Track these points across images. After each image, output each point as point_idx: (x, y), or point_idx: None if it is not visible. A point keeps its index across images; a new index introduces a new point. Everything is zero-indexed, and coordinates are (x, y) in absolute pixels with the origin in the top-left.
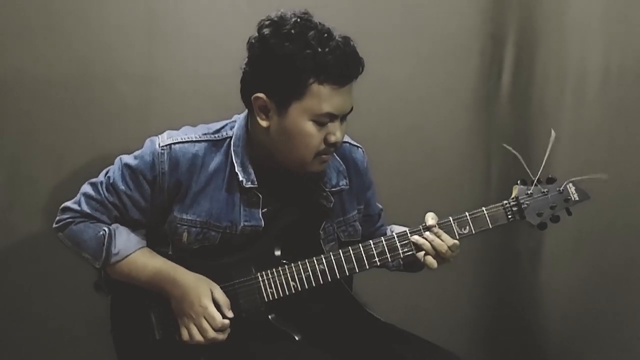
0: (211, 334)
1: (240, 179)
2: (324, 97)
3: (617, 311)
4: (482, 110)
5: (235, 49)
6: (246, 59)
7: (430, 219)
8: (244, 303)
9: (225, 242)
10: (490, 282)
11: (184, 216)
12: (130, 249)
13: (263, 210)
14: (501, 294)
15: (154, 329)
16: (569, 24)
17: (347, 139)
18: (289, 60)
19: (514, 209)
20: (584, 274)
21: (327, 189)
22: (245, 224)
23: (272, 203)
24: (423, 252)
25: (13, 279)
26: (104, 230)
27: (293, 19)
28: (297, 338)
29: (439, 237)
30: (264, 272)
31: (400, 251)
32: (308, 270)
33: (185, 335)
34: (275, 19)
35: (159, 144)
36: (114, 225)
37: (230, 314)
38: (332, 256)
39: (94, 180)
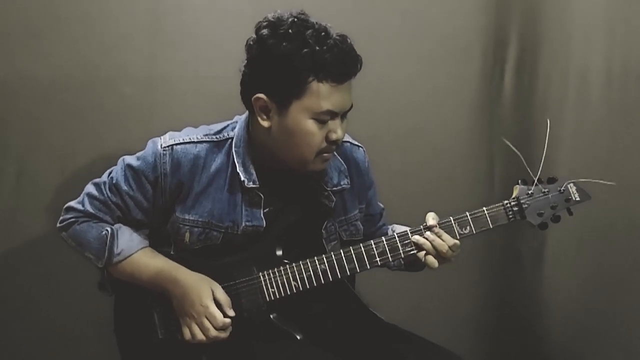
0: (213, 332)
1: (242, 179)
2: (323, 95)
3: (618, 311)
4: (484, 111)
5: (237, 51)
6: (245, 61)
7: (431, 219)
8: (246, 303)
9: (227, 242)
10: (493, 282)
11: (186, 216)
12: (133, 249)
13: (265, 210)
14: (503, 294)
15: (156, 329)
16: (571, 25)
17: (348, 138)
18: (288, 59)
19: (515, 209)
20: (586, 274)
21: (328, 189)
22: (247, 224)
23: (273, 203)
24: (424, 252)
25: (18, 278)
26: (107, 230)
27: (290, 19)
28: (298, 337)
29: (439, 237)
30: (265, 272)
31: (401, 251)
32: (309, 270)
33: (187, 334)
34: (273, 19)
35: (161, 145)
36: (116, 225)
37: (231, 313)
38: (333, 256)
39: (97, 180)
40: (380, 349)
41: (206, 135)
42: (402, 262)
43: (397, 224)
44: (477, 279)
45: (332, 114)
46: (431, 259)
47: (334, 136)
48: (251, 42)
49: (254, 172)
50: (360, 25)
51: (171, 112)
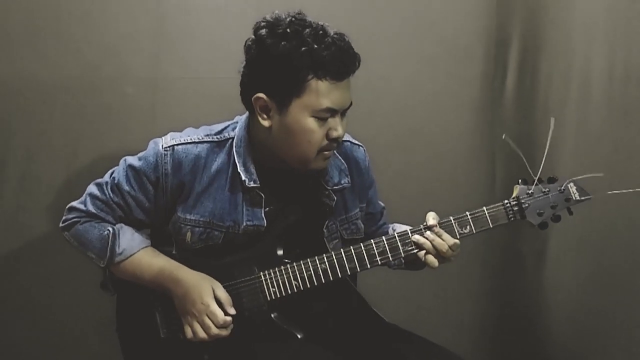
0: (214, 331)
1: (243, 178)
2: (322, 92)
3: (619, 312)
4: (486, 111)
5: (239, 52)
6: (244, 62)
7: (432, 218)
8: (247, 302)
9: (228, 242)
10: (493, 282)
11: (188, 216)
12: (134, 249)
13: (265, 210)
14: (505, 295)
15: (158, 328)
16: (573, 25)
17: (348, 137)
18: (287, 58)
19: (515, 208)
20: (587, 274)
21: (329, 188)
22: (248, 223)
23: (274, 202)
24: (424, 251)
25: (21, 277)
26: (109, 230)
27: (288, 19)
28: (299, 336)
29: (439, 236)
30: (266, 272)
31: (402, 250)
32: (310, 270)
33: (188, 333)
34: (271, 20)
35: (162, 146)
36: (118, 225)
37: (232, 311)
38: (333, 255)
39: (99, 180)
40: (380, 348)
41: (207, 135)
42: (403, 261)
43: (398, 223)
44: (478, 279)
45: (332, 112)
46: (431, 259)
47: (334, 134)
48: (250, 43)
49: (254, 172)
50: (362, 26)
51: (173, 113)
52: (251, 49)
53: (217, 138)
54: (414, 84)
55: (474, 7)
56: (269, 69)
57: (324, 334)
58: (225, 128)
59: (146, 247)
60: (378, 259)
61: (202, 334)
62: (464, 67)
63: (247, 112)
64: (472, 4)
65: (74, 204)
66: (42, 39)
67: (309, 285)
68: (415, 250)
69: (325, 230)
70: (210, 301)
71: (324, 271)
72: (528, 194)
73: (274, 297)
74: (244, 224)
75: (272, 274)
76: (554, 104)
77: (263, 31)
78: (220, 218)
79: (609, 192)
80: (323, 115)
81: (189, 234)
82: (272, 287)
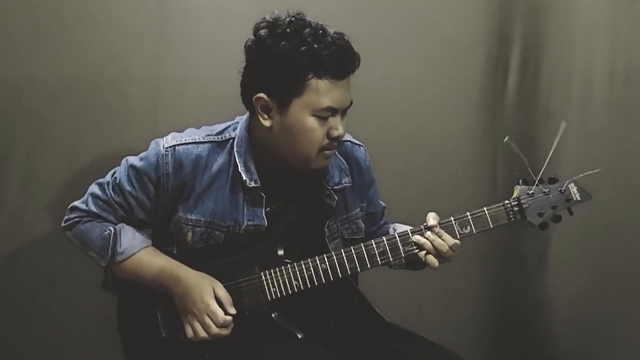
0: (214, 330)
1: (244, 178)
2: (322, 91)
3: (621, 312)
4: (487, 111)
5: (241, 53)
6: (244, 63)
7: (432, 218)
8: (248, 302)
9: (229, 242)
10: (495, 283)
11: (189, 216)
12: (136, 248)
13: (266, 210)
14: (506, 295)
15: (159, 327)
16: (575, 25)
17: (348, 137)
18: (287, 58)
19: (515, 209)
20: (589, 275)
21: (330, 187)
22: (249, 223)
23: (275, 202)
24: (424, 252)
25: (23, 276)
26: (110, 229)
27: (287, 19)
28: (300, 336)
29: (440, 236)
30: (267, 271)
31: (402, 250)
32: (310, 270)
33: (189, 332)
34: (270, 20)
35: (163, 146)
36: (119, 225)
37: (232, 311)
38: (334, 255)
39: (101, 180)
40: (381, 348)
41: (208, 135)
42: (403, 261)
43: (399, 223)
44: (479, 279)
45: (333, 111)
46: (431, 259)
47: (335, 133)
48: (250, 43)
49: (255, 172)
50: (363, 26)
51: (175, 113)
52: (251, 49)
53: (218, 138)
54: (415, 84)
55: (475, 7)
56: (270, 69)
57: (324, 333)
58: (226, 128)
59: (147, 246)
60: (378, 259)
61: (202, 333)
62: (466, 67)
63: (248, 113)
64: (474, 4)
65: (76, 203)
66: (44, 40)
67: (309, 285)
68: (416, 251)
69: (326, 230)
70: (211, 300)
71: (325, 271)
72: (529, 194)
73: (274, 297)
74: (245, 223)
75: (272, 273)
76: (555, 104)
77: (263, 31)
78: (221, 218)
79: (576, 177)
80: (323, 115)
81: (190, 234)
82: (272, 286)
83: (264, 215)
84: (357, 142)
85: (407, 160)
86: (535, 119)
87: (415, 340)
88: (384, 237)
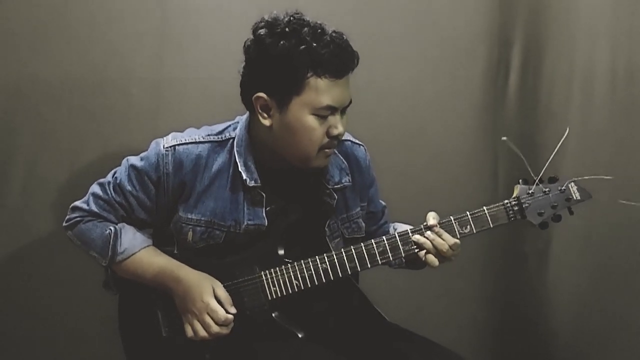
0: (215, 329)
1: (244, 177)
2: (322, 90)
3: (623, 312)
4: (489, 112)
5: (243, 53)
6: (243, 63)
7: (432, 218)
8: (248, 301)
9: (230, 241)
10: (496, 282)
11: (189, 216)
12: (136, 248)
13: (266, 209)
14: (507, 295)
15: (160, 327)
16: (576, 25)
17: (348, 137)
18: (286, 57)
19: (515, 208)
20: (590, 275)
21: (330, 187)
22: (249, 222)
23: (275, 201)
24: (424, 251)
25: (25, 276)
26: (111, 229)
27: (286, 19)
28: (300, 336)
29: (440, 236)
30: (267, 271)
31: (402, 250)
32: (311, 269)
33: (189, 331)
34: (269, 20)
35: (164, 146)
36: (120, 225)
37: (233, 310)
38: (334, 255)
39: (102, 180)
40: (382, 348)
41: (208, 135)
42: (403, 261)
43: (400, 222)
44: (481, 279)
45: (332, 109)
46: (431, 258)
47: (335, 131)
48: (249, 43)
49: (255, 171)
50: (364, 27)
51: (177, 114)
52: (250, 49)
53: (218, 138)
54: (416, 84)
55: (476, 8)
56: (269, 68)
57: (325, 333)
58: (226, 128)
59: (147, 246)
60: (378, 258)
61: (202, 332)
62: (467, 68)
63: (248, 112)
64: (474, 4)
65: (77, 203)
66: (47, 40)
67: (309, 285)
68: (416, 250)
69: (327, 229)
70: (210, 299)
71: (325, 271)
72: (528, 193)
73: (274, 297)
74: (245, 223)
75: (273, 273)
76: (556, 104)
77: (262, 31)
78: (222, 217)
79: (622, 201)
80: (323, 113)
81: (190, 234)
82: (273, 286)
83: (264, 214)
84: (357, 141)
85: (408, 160)
86: (536, 119)
87: (416, 340)
88: (384, 237)
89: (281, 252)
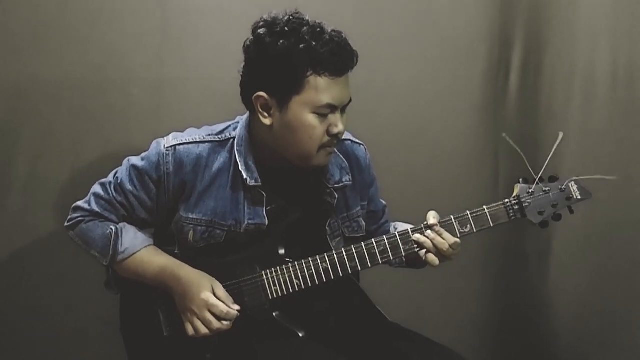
0: (215, 324)
1: (245, 177)
2: (322, 88)
3: (624, 312)
4: (489, 111)
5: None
6: (243, 62)
7: (432, 217)
8: (249, 301)
9: (230, 241)
10: (497, 282)
11: (190, 215)
12: (137, 247)
13: (267, 209)
14: (507, 294)
15: (161, 326)
16: (577, 25)
17: (348, 136)
18: (286, 56)
19: (516, 207)
20: (592, 275)
21: (330, 186)
22: (250, 222)
23: (276, 201)
24: (425, 250)
25: (27, 276)
26: (112, 228)
27: (285, 18)
28: (301, 335)
29: (440, 235)
30: (268, 271)
31: (402, 249)
32: (311, 269)
33: (190, 330)
34: (269, 19)
35: (164, 145)
36: (121, 224)
37: (235, 307)
38: (334, 254)
39: (103, 180)
40: (382, 347)
41: (209, 135)
42: (404, 260)
43: (401, 222)
44: (481, 279)
45: (332, 108)
46: (432, 257)
47: (335, 130)
48: (249, 43)
49: (256, 171)
50: (364, 26)
51: (178, 114)
52: (250, 49)
53: (218, 138)
54: (416, 83)
55: (476, 7)
56: (269, 68)
57: (325, 332)
58: (227, 128)
59: (148, 246)
60: (379, 257)
61: (203, 329)
62: (467, 67)
63: (248, 112)
64: (475, 4)
65: (79, 203)
66: (47, 40)
67: (310, 284)
68: (416, 249)
69: (327, 229)
70: (210, 296)
71: (325, 270)
72: (529, 192)
73: (275, 296)
74: (246, 222)
75: (273, 273)
76: (557, 104)
77: (261, 30)
78: (222, 217)
79: (583, 177)
80: (323, 112)
81: (191, 233)
82: (273, 286)
83: (264, 214)
84: (357, 140)
85: (408, 159)
86: (537, 118)
87: (417, 340)
88: (384, 236)
89: (282, 251)
